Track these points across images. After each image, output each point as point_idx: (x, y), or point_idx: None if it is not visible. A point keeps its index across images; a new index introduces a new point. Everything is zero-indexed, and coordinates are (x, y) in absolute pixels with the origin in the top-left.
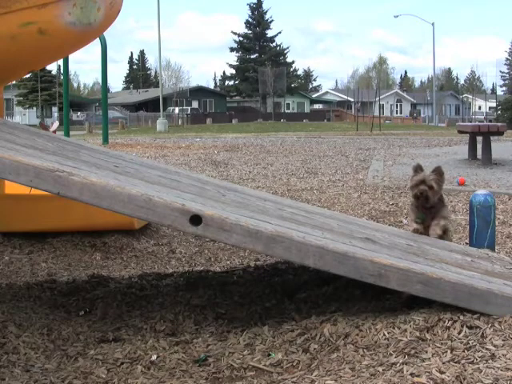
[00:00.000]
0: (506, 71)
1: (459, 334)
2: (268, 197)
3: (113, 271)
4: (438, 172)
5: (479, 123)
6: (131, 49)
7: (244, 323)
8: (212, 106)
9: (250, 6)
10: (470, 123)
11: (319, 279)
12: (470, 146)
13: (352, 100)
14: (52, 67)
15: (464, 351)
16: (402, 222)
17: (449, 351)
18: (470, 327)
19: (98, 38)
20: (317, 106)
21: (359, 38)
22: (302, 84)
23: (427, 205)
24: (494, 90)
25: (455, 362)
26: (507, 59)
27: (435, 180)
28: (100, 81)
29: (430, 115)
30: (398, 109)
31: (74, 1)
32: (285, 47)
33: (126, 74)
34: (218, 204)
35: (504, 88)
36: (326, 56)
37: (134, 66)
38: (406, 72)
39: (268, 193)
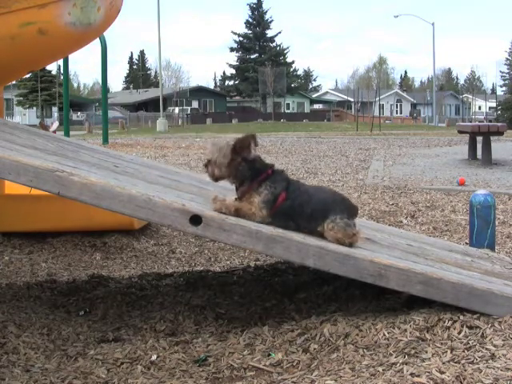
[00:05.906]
0: (506, 71)
1: (459, 333)
2: None
3: (113, 271)
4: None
5: (479, 123)
6: (131, 49)
7: (244, 323)
8: (212, 106)
9: (250, 6)
10: (469, 123)
11: (319, 279)
12: (469, 146)
13: (352, 100)
14: (52, 67)
15: (464, 351)
16: (401, 222)
17: (449, 351)
18: (470, 327)
19: (98, 38)
20: (317, 106)
21: (359, 38)
22: (301, 84)
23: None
24: (494, 90)
25: (455, 362)
26: (507, 59)
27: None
28: (100, 81)
29: (430, 115)
30: (398, 109)
31: (74, 1)
32: (285, 47)
33: (125, 74)
34: None
35: (504, 88)
36: (325, 56)
37: (134, 66)
38: (405, 72)
39: None
